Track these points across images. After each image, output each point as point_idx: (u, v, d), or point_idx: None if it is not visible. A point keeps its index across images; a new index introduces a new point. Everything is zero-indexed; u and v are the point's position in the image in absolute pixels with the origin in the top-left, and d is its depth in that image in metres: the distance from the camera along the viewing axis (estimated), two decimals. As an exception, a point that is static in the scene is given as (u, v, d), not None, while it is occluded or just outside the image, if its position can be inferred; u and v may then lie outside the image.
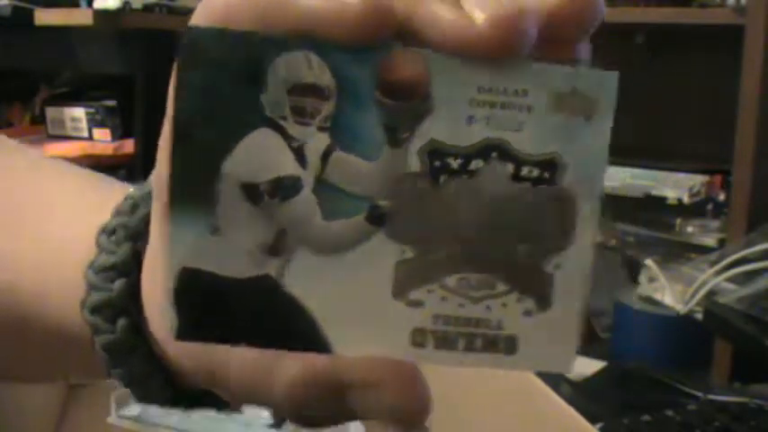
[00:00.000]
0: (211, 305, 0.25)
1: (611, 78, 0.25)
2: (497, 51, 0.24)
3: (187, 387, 0.30)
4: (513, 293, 0.26)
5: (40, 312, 0.32)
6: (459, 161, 0.25)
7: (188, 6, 1.65)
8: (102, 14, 1.60)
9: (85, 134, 1.87)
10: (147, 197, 0.29)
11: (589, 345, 1.24)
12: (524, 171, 0.25)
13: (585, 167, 0.26)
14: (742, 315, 0.96)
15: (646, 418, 0.80)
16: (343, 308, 0.25)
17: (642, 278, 1.20)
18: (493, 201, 0.25)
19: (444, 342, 0.26)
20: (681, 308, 1.11)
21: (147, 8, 1.69)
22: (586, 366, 1.10)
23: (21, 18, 1.60)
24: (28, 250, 0.33)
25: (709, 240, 1.48)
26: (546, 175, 0.25)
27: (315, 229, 0.25)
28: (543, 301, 0.26)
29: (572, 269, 0.26)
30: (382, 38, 0.24)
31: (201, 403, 0.32)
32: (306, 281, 0.25)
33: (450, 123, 0.24)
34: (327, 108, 0.24)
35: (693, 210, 1.53)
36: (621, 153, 1.86)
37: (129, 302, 0.29)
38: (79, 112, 1.87)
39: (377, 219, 0.25)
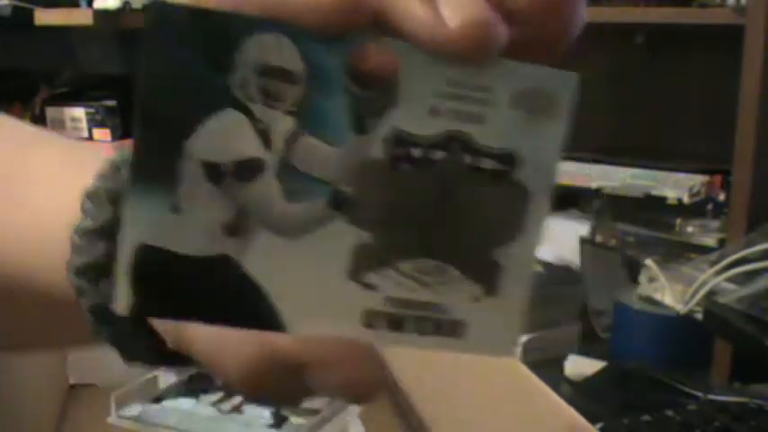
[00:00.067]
0: (168, 283, 0.25)
1: (571, 79, 0.27)
2: (466, 53, 0.24)
3: (171, 347, 0.31)
4: (463, 280, 0.27)
5: (29, 279, 0.32)
6: (421, 151, 0.25)
7: (188, 6, 1.65)
8: (102, 14, 1.60)
9: (85, 134, 1.87)
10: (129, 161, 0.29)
11: (589, 345, 1.24)
12: (483, 163, 0.26)
13: (541, 163, 0.27)
14: (742, 315, 0.96)
15: (646, 418, 0.80)
16: (299, 288, 0.26)
17: (642, 278, 1.20)
18: (451, 190, 0.26)
19: (396, 324, 0.26)
20: (681, 308, 1.11)
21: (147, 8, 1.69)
22: (586, 366, 1.10)
23: (21, 18, 1.60)
24: (12, 219, 0.33)
25: (710, 240, 1.48)
26: (503, 168, 0.26)
27: (276, 211, 0.25)
28: (491, 289, 0.27)
29: (520, 259, 0.27)
30: (355, 27, 0.24)
31: (185, 362, 0.32)
32: (264, 261, 0.25)
33: (416, 114, 0.25)
34: (295, 92, 0.24)
35: (693, 210, 1.53)
36: (621, 153, 1.86)
37: (112, 264, 0.29)
38: (79, 112, 1.87)
39: (338, 203, 0.25)
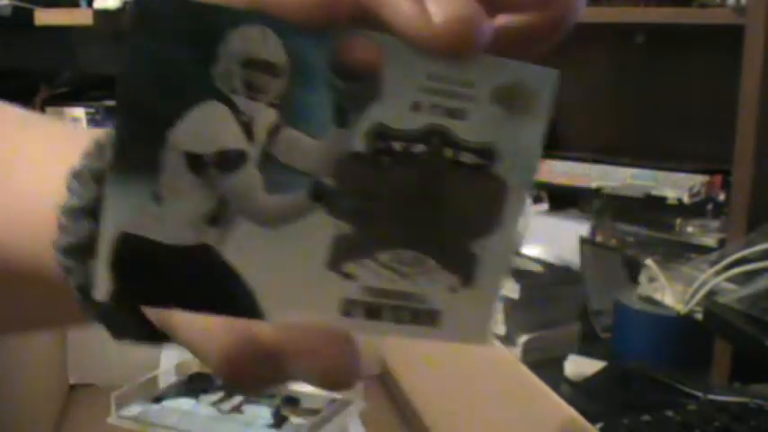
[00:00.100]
0: (147, 270, 0.25)
1: (551, 75, 0.27)
2: (450, 49, 0.25)
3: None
4: (440, 271, 0.27)
5: (18, 260, 0.32)
6: (402, 144, 0.26)
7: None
8: (102, 14, 1.60)
9: (85, 134, 1.87)
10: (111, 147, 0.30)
11: (589, 345, 1.24)
12: (463, 157, 0.26)
13: (520, 158, 0.27)
14: (742, 315, 0.96)
15: (646, 418, 0.80)
16: (279, 277, 0.26)
17: (642, 278, 1.20)
18: (431, 184, 0.26)
19: (373, 313, 0.27)
20: (681, 308, 1.11)
21: (146, 8, 1.69)
22: (586, 366, 1.10)
23: (21, 18, 1.60)
24: (0, 200, 0.33)
25: (710, 240, 1.48)
26: (483, 162, 0.26)
27: (257, 201, 0.25)
28: (467, 280, 0.28)
29: (497, 252, 0.28)
30: (339, 21, 0.24)
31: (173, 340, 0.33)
32: (244, 251, 0.26)
33: (398, 108, 0.25)
34: (279, 85, 0.25)
35: (693, 210, 1.53)
36: (621, 153, 1.87)
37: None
38: (79, 112, 1.87)
39: (318, 195, 0.26)
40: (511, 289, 1.23)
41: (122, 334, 0.32)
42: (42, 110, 1.95)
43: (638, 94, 1.82)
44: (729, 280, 1.07)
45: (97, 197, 0.29)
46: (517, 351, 1.21)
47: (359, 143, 0.25)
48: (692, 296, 1.09)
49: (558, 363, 1.14)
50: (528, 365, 0.60)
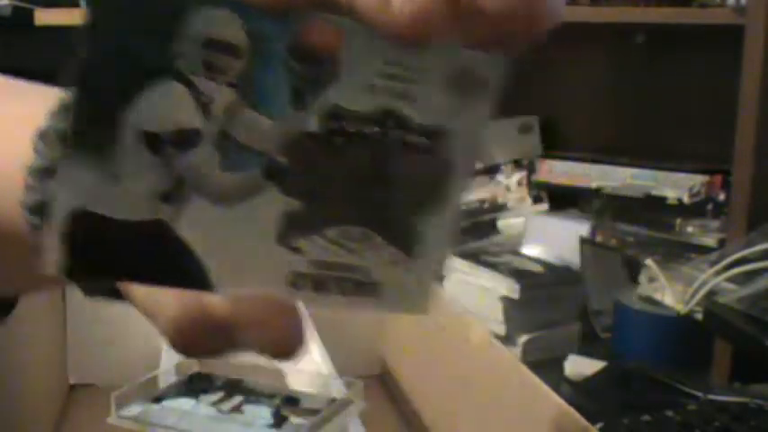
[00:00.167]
0: (100, 245, 0.26)
1: (500, 63, 0.28)
2: (406, 37, 0.25)
3: None
4: (386, 246, 0.28)
5: None
6: (355, 125, 0.27)
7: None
8: (102, 14, 1.60)
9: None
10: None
11: (589, 345, 1.24)
12: (413, 138, 0.27)
13: (467, 140, 0.28)
14: (742, 315, 0.96)
15: (646, 418, 0.80)
16: (229, 251, 0.27)
17: (642, 278, 1.20)
18: (381, 163, 0.27)
19: (319, 285, 0.28)
20: (681, 308, 1.11)
21: (146, 8, 1.69)
22: (586, 366, 1.10)
23: (21, 18, 1.60)
24: None
25: (710, 240, 1.48)
26: (431, 143, 0.28)
27: (212, 179, 0.26)
28: (411, 253, 0.29)
29: (440, 228, 0.29)
30: (300, 4, 0.25)
31: None
32: (197, 226, 0.26)
33: (353, 90, 0.26)
34: (238, 66, 0.25)
35: (693, 210, 1.53)
36: (621, 153, 1.87)
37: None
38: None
39: (272, 174, 0.26)
40: (511, 289, 1.23)
41: (92, 293, 0.33)
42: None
43: (637, 94, 1.82)
44: (729, 280, 1.07)
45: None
46: (517, 351, 1.21)
47: (314, 124, 0.26)
48: (692, 296, 1.09)
49: (558, 363, 1.14)
50: (528, 365, 0.60)
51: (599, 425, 0.79)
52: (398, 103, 0.27)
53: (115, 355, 0.87)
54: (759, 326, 0.93)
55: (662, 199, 1.55)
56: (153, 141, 0.25)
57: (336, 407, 0.50)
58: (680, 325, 1.12)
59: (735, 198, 1.31)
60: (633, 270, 1.30)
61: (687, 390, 0.94)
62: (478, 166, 1.90)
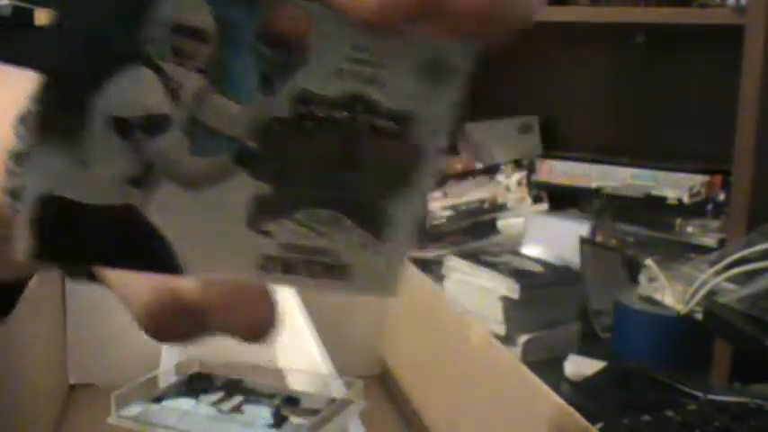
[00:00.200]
0: (69, 229, 0.26)
1: (469, 50, 0.28)
2: (375, 23, 0.25)
3: None
4: (355, 229, 0.29)
5: None
6: (324, 110, 0.27)
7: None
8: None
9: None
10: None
11: (589, 345, 1.24)
12: (382, 123, 0.28)
13: (436, 124, 0.28)
14: (742, 315, 0.96)
15: (646, 418, 0.80)
16: (200, 235, 0.27)
17: (642, 278, 1.20)
18: (350, 147, 0.28)
19: (289, 268, 0.28)
20: (681, 308, 1.11)
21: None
22: (586, 366, 1.10)
23: (21, 18, 1.60)
24: None
25: (710, 240, 1.48)
26: (400, 128, 0.28)
27: (181, 164, 0.26)
28: (380, 237, 0.29)
29: (409, 211, 0.29)
30: None
31: None
32: (167, 211, 0.26)
33: (322, 75, 0.26)
34: (207, 52, 0.25)
35: (693, 210, 1.53)
36: (621, 153, 1.86)
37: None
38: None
39: (242, 158, 0.27)
40: (511, 289, 1.23)
41: (73, 276, 0.33)
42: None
43: (638, 94, 1.82)
44: (729, 280, 1.07)
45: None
46: (517, 351, 1.21)
47: (283, 108, 0.26)
48: (692, 296, 1.09)
49: (558, 363, 1.14)
50: (528, 365, 0.60)
51: (599, 425, 0.79)
52: (367, 87, 0.27)
53: (115, 355, 0.87)
54: (759, 326, 0.93)
55: (662, 199, 1.55)
56: (122, 127, 0.25)
57: (336, 407, 0.50)
58: (680, 325, 1.12)
59: (735, 198, 1.31)
60: (633, 270, 1.30)
61: (687, 390, 0.94)
62: (478, 165, 1.90)
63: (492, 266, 1.29)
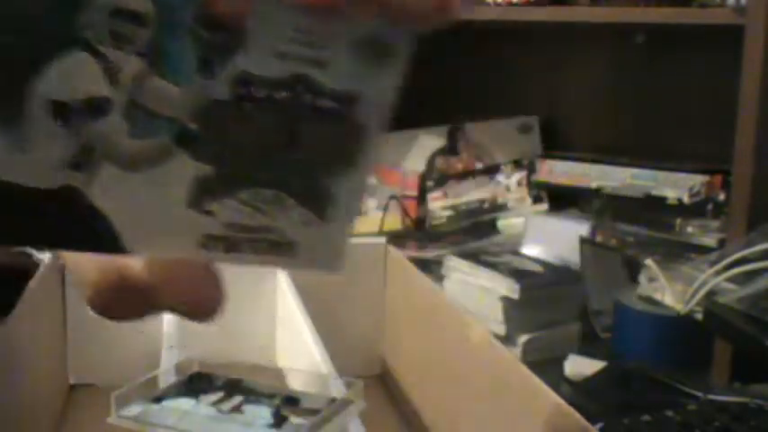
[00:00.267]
0: (12, 213, 0.26)
1: (408, 33, 0.28)
2: (315, 7, 0.26)
3: None
4: (297, 207, 0.29)
5: None
6: (265, 91, 0.27)
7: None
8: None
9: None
10: None
11: (589, 345, 1.24)
12: (323, 103, 0.28)
13: (376, 103, 0.29)
14: (742, 315, 0.96)
15: (646, 418, 0.80)
16: (141, 216, 0.28)
17: (642, 278, 1.20)
18: (292, 127, 0.28)
19: (232, 246, 0.29)
20: (681, 308, 1.11)
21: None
22: (586, 366, 1.10)
23: None
24: None
25: (710, 240, 1.48)
26: (341, 107, 0.28)
27: (122, 147, 0.26)
28: (322, 214, 0.30)
29: (351, 189, 0.30)
30: None
31: None
32: (109, 192, 0.27)
33: (263, 57, 0.26)
34: (145, 35, 0.25)
35: (693, 210, 1.53)
36: (621, 153, 1.87)
37: None
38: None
39: (182, 140, 0.27)
40: (511, 289, 1.23)
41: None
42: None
43: (638, 94, 1.82)
44: (729, 280, 1.07)
45: None
46: (517, 351, 1.21)
47: (223, 90, 0.27)
48: (692, 296, 1.09)
49: (558, 363, 1.14)
50: (528, 365, 0.60)
51: (599, 425, 0.79)
52: (309, 68, 0.27)
53: (115, 355, 0.87)
54: (759, 326, 0.93)
55: (662, 199, 1.55)
56: (62, 110, 0.25)
57: (336, 407, 0.50)
58: (680, 325, 1.12)
59: (735, 198, 1.31)
60: (633, 270, 1.30)
61: (687, 390, 0.94)
62: (478, 165, 1.90)
63: (492, 266, 1.29)
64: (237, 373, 0.54)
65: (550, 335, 1.24)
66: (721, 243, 1.42)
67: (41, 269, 0.79)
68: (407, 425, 0.82)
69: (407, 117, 1.91)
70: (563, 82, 1.90)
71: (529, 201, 1.79)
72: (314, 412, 0.50)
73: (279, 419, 0.49)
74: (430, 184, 1.86)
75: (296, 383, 0.58)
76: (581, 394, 1.05)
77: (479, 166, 1.89)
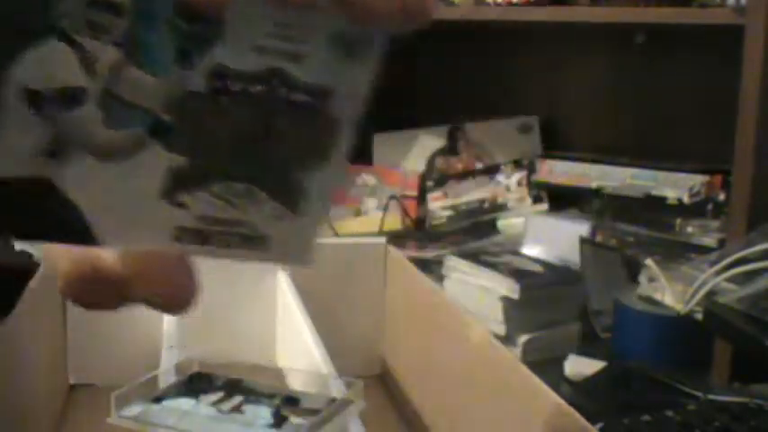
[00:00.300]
0: None
1: (380, 31, 0.28)
2: (294, 1, 0.26)
3: None
4: (270, 201, 0.29)
5: None
6: (241, 84, 0.27)
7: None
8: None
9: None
10: None
11: (589, 345, 1.24)
12: (298, 97, 0.28)
13: (349, 98, 0.29)
14: (742, 315, 0.96)
15: (646, 418, 0.80)
16: (114, 207, 0.28)
17: (642, 278, 1.20)
18: (266, 121, 0.28)
19: (204, 238, 0.29)
20: (681, 308, 1.11)
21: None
22: (586, 366, 1.10)
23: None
24: None
25: (710, 240, 1.48)
26: (317, 101, 0.28)
27: (96, 137, 0.26)
28: (295, 209, 0.30)
29: (324, 183, 0.30)
30: None
31: None
32: (81, 183, 0.27)
33: (239, 50, 0.27)
34: (122, 25, 0.25)
35: (693, 210, 1.53)
36: (621, 153, 1.87)
37: None
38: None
39: (157, 131, 0.27)
40: (511, 289, 1.23)
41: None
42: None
43: (637, 94, 1.82)
44: (729, 280, 1.07)
45: None
46: (517, 351, 1.21)
47: (199, 82, 0.27)
48: (692, 296, 1.09)
49: (558, 363, 1.14)
50: (528, 365, 0.60)
51: (599, 425, 0.79)
52: (284, 62, 0.27)
53: (115, 355, 0.87)
54: (759, 326, 0.93)
55: (662, 199, 1.55)
56: (36, 99, 0.25)
57: (336, 407, 0.50)
58: (680, 325, 1.12)
59: (735, 198, 1.31)
60: (633, 270, 1.30)
61: (687, 390, 0.94)
62: (478, 165, 1.90)
63: (492, 266, 1.29)
64: (237, 373, 0.54)
65: (550, 335, 1.24)
66: (721, 243, 1.42)
67: (41, 269, 0.79)
68: (407, 425, 0.82)
69: (407, 117, 1.92)
70: (563, 82, 1.90)
71: (529, 201, 1.79)
72: (314, 412, 0.50)
73: (279, 419, 0.49)
74: (430, 184, 1.86)
75: (296, 383, 0.58)
76: (581, 394, 1.05)
77: (479, 166, 1.89)
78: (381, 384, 0.92)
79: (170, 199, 0.28)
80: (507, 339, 1.22)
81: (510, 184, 1.81)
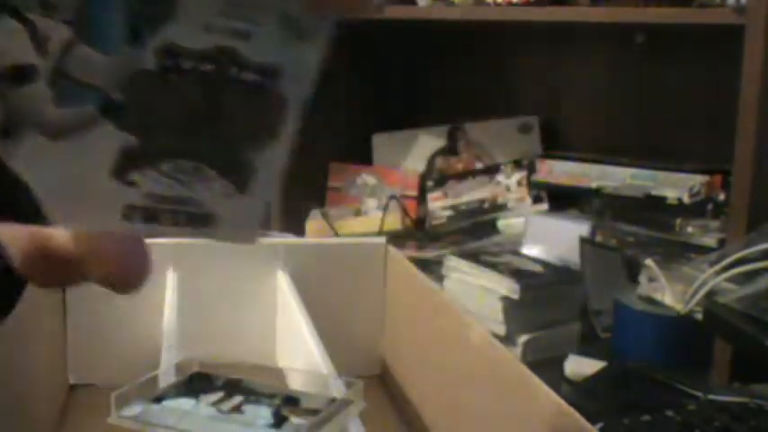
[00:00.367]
0: None
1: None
2: None
3: None
4: (218, 179, 0.30)
5: None
6: (191, 62, 0.27)
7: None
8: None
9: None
10: None
11: (589, 345, 1.24)
12: (247, 75, 0.28)
13: (298, 78, 0.29)
14: (742, 315, 0.96)
15: (646, 418, 0.80)
16: (65, 185, 0.28)
17: (642, 278, 1.20)
18: (215, 100, 0.28)
19: (152, 217, 0.29)
20: (681, 308, 1.11)
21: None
22: (586, 366, 1.10)
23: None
24: None
25: (709, 240, 1.48)
26: (264, 80, 0.29)
27: (46, 115, 0.26)
28: (242, 188, 0.30)
29: (271, 161, 0.30)
30: None
31: None
32: (32, 161, 0.27)
33: (190, 29, 0.27)
34: (73, 3, 0.26)
35: (693, 210, 1.53)
36: (621, 153, 1.86)
37: None
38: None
39: (107, 109, 0.27)
40: (511, 289, 1.23)
41: None
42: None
43: (638, 94, 1.82)
44: (729, 280, 1.07)
45: None
46: (517, 351, 1.21)
47: (150, 61, 0.27)
48: (692, 296, 1.09)
49: (558, 363, 1.14)
50: (528, 365, 0.60)
51: (599, 425, 0.79)
52: (234, 41, 0.28)
53: (115, 355, 0.87)
54: (759, 326, 0.93)
55: (662, 199, 1.55)
56: None
57: (336, 407, 0.50)
58: (680, 325, 1.12)
59: (735, 198, 1.32)
60: (633, 270, 1.30)
61: (687, 390, 0.94)
62: (478, 165, 1.90)
63: (492, 266, 1.29)
64: (237, 373, 0.54)
65: (550, 335, 1.24)
66: (721, 243, 1.42)
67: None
68: (407, 425, 0.82)
69: (407, 117, 1.92)
70: (563, 82, 1.90)
71: (529, 201, 1.79)
72: (314, 412, 0.50)
73: (279, 419, 0.49)
74: (430, 184, 1.86)
75: (296, 383, 0.58)
76: (581, 394, 1.05)
77: (479, 166, 1.89)
78: (381, 384, 0.92)
79: (120, 177, 0.28)
80: (507, 339, 1.22)
81: (510, 184, 1.81)
